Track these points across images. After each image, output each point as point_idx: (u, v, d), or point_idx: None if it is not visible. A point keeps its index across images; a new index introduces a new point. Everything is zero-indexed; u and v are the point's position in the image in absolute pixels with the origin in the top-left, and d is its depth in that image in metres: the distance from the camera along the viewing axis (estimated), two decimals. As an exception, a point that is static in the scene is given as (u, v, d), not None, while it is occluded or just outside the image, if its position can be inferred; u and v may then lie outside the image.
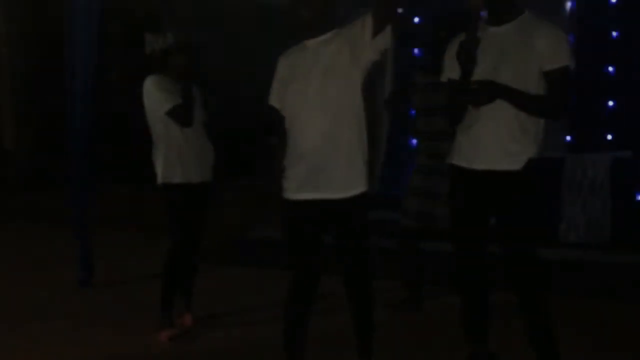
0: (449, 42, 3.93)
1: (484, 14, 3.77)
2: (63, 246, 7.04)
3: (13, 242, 8.32)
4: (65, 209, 6.66)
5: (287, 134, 3.82)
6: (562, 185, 7.12)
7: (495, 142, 3.72)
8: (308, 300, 3.82)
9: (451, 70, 3.83)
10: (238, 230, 8.34)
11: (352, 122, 3.71)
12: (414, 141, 8.83)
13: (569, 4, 8.09)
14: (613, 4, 7.94)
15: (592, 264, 6.31)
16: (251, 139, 11.55)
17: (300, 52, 3.81)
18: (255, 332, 4.95)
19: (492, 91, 3.65)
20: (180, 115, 4.81)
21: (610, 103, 7.90)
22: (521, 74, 3.65)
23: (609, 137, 7.86)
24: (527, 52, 3.66)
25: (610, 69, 7.87)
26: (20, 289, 6.26)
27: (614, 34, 7.91)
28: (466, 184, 3.84)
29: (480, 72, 3.67)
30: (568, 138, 7.97)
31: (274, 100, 3.86)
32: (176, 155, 4.89)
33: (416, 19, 8.83)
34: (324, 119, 3.67)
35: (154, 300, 5.03)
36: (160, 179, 4.92)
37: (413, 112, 5.63)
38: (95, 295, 6.05)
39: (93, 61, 6.15)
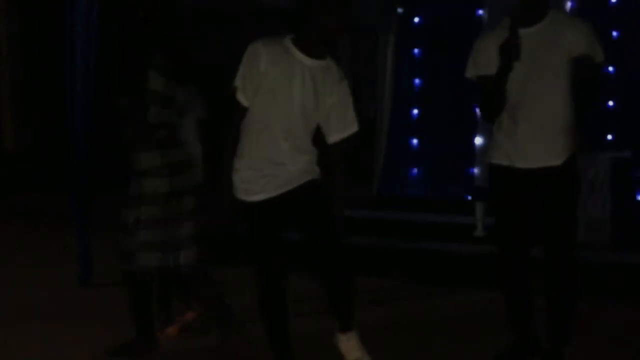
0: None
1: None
2: (63, 246, 7.03)
3: (13, 242, 8.31)
4: (65, 209, 6.65)
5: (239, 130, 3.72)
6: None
7: (536, 140, 3.75)
8: (284, 297, 3.86)
9: (484, 67, 3.79)
10: (237, 229, 8.32)
11: (310, 135, 3.74)
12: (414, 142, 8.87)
13: (569, 4, 8.08)
14: (613, 3, 7.94)
15: (592, 264, 6.30)
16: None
17: (285, 53, 3.66)
18: (255, 332, 4.94)
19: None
20: None
21: (611, 103, 7.89)
22: (554, 71, 3.70)
23: (609, 137, 7.86)
24: (557, 46, 3.68)
25: (611, 68, 7.87)
26: (20, 289, 6.24)
27: (614, 33, 7.91)
28: (509, 182, 3.85)
29: (515, 73, 3.67)
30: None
31: (242, 93, 3.66)
32: None
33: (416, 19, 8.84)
34: (296, 128, 3.67)
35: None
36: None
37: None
38: (95, 295, 6.04)
39: (93, 61, 6.15)
